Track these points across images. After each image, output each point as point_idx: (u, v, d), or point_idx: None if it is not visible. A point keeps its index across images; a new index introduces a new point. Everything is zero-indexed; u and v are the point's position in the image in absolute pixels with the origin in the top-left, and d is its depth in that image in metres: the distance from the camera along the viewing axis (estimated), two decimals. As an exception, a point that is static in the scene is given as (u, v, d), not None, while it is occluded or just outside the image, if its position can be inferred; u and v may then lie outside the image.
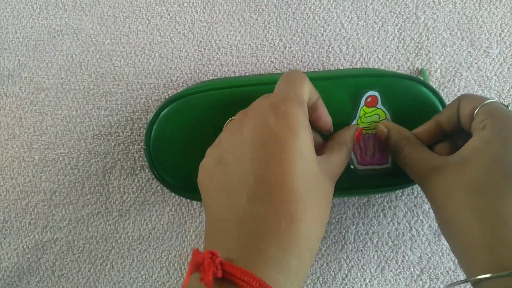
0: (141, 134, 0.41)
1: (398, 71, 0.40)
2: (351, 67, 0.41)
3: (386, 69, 0.40)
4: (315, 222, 0.25)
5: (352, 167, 0.34)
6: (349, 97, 0.34)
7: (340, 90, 0.34)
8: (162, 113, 0.35)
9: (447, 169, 0.28)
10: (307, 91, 0.29)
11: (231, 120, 0.32)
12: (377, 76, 0.34)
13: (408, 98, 0.34)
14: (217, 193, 0.27)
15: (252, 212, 0.24)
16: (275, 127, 0.26)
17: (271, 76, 0.36)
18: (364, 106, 0.34)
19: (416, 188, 0.39)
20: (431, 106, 0.33)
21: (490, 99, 0.29)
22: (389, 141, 0.32)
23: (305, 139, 0.26)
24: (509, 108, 0.31)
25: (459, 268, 0.38)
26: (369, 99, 0.34)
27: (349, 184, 0.34)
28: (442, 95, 0.39)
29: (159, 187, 0.41)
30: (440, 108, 0.34)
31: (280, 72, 0.41)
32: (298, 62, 0.41)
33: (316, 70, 0.41)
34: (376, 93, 0.33)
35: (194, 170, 0.34)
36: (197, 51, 0.42)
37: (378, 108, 0.34)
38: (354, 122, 0.34)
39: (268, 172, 0.25)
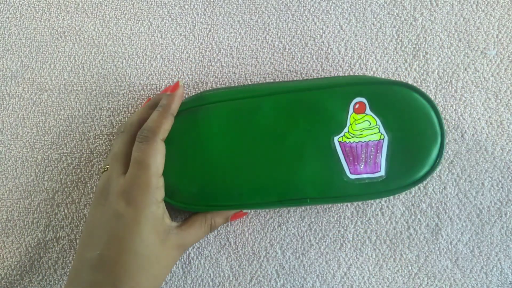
0: (143, 134, 0.42)
1: (389, 78, 0.40)
2: (349, 69, 0.41)
3: (383, 70, 0.41)
4: None
5: (345, 179, 0.34)
6: (338, 105, 0.34)
7: (329, 99, 0.34)
8: None
9: None
10: (161, 166, 0.33)
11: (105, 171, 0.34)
12: (364, 83, 0.34)
13: (397, 103, 0.34)
14: (79, 248, 0.32)
15: (92, 278, 0.30)
16: (124, 213, 0.30)
17: (273, 86, 0.36)
18: (353, 113, 0.34)
19: (414, 188, 0.39)
20: (421, 109, 0.34)
21: None
22: None
23: (149, 227, 0.31)
24: None
25: (456, 267, 0.38)
26: (357, 106, 0.34)
27: (342, 192, 0.34)
28: (439, 96, 0.40)
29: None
30: (431, 111, 0.34)
31: (279, 71, 0.41)
32: (297, 63, 0.42)
33: (310, 78, 0.41)
34: (363, 100, 0.34)
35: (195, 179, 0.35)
36: (198, 52, 0.42)
37: (367, 115, 0.34)
38: (346, 130, 0.34)
39: (111, 250, 0.30)
